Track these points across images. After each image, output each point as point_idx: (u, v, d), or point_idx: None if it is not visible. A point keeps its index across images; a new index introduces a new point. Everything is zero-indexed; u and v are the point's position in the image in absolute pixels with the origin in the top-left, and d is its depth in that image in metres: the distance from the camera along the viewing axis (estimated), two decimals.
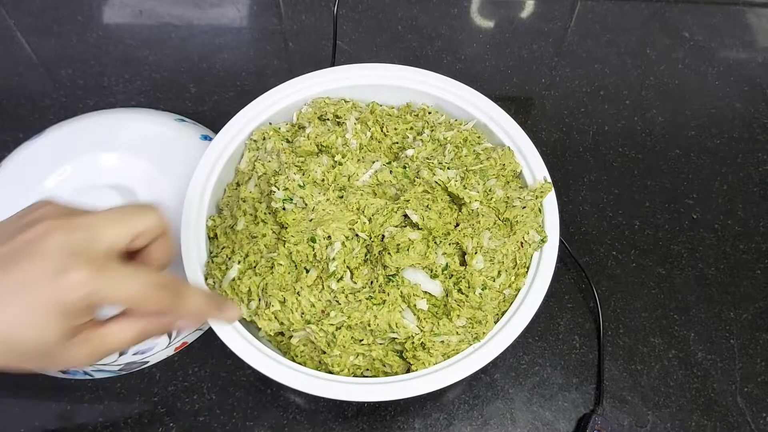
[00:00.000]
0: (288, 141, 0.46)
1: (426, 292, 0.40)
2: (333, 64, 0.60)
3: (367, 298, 0.38)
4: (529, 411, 0.47)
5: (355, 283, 0.39)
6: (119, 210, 0.30)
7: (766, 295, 0.53)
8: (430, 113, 0.48)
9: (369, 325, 0.38)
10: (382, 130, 0.46)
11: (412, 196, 0.41)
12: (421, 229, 0.40)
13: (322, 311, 0.39)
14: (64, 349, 0.28)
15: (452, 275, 0.40)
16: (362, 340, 0.39)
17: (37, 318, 0.26)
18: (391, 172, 0.43)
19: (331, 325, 0.38)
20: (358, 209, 0.41)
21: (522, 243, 0.41)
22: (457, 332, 0.39)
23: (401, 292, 0.39)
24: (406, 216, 0.41)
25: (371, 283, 0.39)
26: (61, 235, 0.27)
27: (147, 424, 0.46)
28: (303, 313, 0.39)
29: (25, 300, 0.26)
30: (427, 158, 0.44)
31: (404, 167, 0.43)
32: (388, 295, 0.38)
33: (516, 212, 0.42)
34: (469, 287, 0.40)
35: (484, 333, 0.39)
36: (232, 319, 0.36)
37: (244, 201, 0.43)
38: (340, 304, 0.39)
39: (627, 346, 0.50)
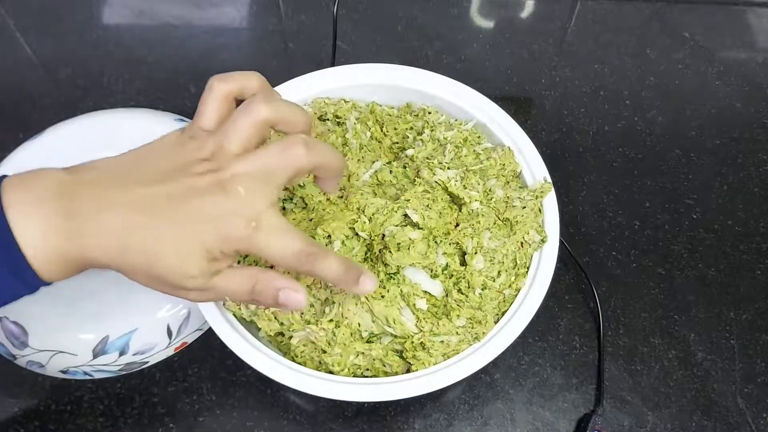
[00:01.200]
0: None
1: (426, 291, 0.40)
2: (333, 64, 0.60)
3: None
4: (529, 411, 0.47)
5: None
6: (275, 155, 0.31)
7: (767, 295, 0.53)
8: (430, 113, 0.48)
9: (364, 309, 0.38)
10: (382, 130, 0.46)
11: (413, 195, 0.41)
12: (421, 228, 0.40)
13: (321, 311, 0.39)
14: (197, 285, 0.30)
15: (452, 275, 0.40)
16: (360, 325, 0.38)
17: (188, 255, 0.29)
18: (391, 171, 0.43)
19: (330, 321, 0.38)
20: (358, 209, 0.41)
21: (522, 243, 0.41)
22: (457, 332, 0.39)
23: (401, 291, 0.39)
24: (406, 215, 0.41)
25: None
26: (223, 195, 0.30)
27: (147, 424, 0.45)
28: (302, 313, 0.39)
29: (186, 236, 0.29)
30: (427, 158, 0.44)
31: (404, 167, 0.43)
32: (388, 291, 0.38)
33: (516, 212, 0.42)
34: (469, 287, 0.40)
35: (484, 333, 0.39)
36: (367, 292, 0.35)
37: None
38: (335, 295, 0.38)
39: (627, 346, 0.50)
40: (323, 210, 0.41)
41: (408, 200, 0.41)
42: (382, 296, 0.38)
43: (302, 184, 0.42)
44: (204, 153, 0.31)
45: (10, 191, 0.29)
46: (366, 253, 0.40)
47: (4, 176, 0.30)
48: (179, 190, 0.30)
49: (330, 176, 0.35)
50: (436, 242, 0.40)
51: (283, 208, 0.41)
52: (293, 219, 0.41)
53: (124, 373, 0.47)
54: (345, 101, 0.48)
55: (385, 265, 0.39)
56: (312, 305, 0.39)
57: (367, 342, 0.39)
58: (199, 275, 0.30)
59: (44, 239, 0.29)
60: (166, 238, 0.29)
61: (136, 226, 0.29)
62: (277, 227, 0.31)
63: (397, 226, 0.40)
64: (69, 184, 0.30)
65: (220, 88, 0.33)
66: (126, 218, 0.29)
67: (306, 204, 0.42)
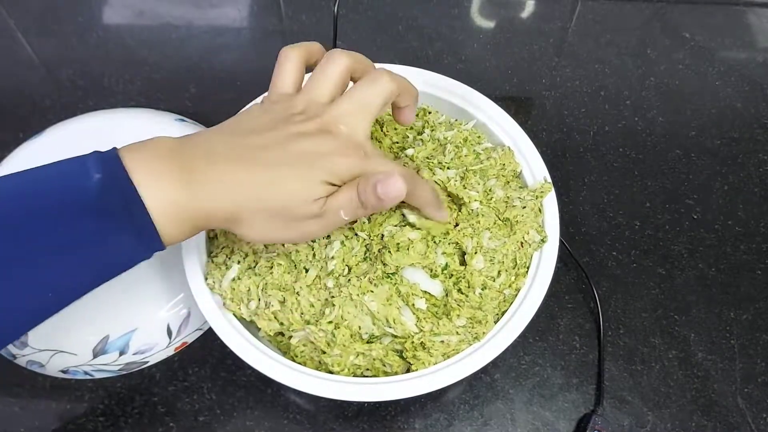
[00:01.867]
0: None
1: (425, 291, 0.40)
2: None
3: (357, 287, 0.38)
4: (529, 411, 0.47)
5: (349, 279, 0.39)
6: (366, 90, 0.34)
7: (767, 295, 0.53)
8: (430, 113, 0.48)
9: (364, 312, 0.38)
10: (382, 130, 0.46)
11: None
12: (419, 228, 0.40)
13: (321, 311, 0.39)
14: (317, 209, 0.32)
15: (452, 275, 0.40)
16: (360, 327, 0.38)
17: (310, 181, 0.32)
18: None
19: (329, 323, 0.38)
20: None
21: (522, 243, 0.41)
22: (457, 332, 0.39)
23: (399, 290, 0.39)
24: (404, 215, 0.41)
25: (365, 275, 0.39)
26: (329, 135, 0.33)
27: (147, 424, 0.46)
28: (302, 314, 0.39)
29: (305, 167, 0.32)
30: (427, 158, 0.44)
31: (404, 167, 0.43)
32: (376, 286, 0.38)
33: (516, 212, 0.42)
34: (468, 287, 0.40)
35: (484, 333, 0.39)
36: (444, 219, 0.40)
37: None
38: (334, 297, 0.38)
39: (627, 346, 0.50)
40: None
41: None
42: (372, 291, 0.38)
43: None
44: (296, 109, 0.34)
45: (128, 155, 0.31)
46: (365, 253, 0.40)
47: (114, 148, 0.31)
48: (286, 135, 0.32)
49: (410, 103, 0.38)
50: (435, 242, 0.40)
51: None
52: None
53: (124, 372, 0.47)
54: None
55: (384, 265, 0.39)
56: (312, 305, 0.39)
57: (367, 342, 0.39)
58: (322, 195, 0.32)
59: (165, 196, 0.30)
60: (283, 173, 0.31)
61: (251, 170, 0.31)
62: (380, 154, 0.35)
63: (396, 226, 0.40)
64: (180, 145, 0.32)
65: (293, 54, 0.35)
66: (238, 166, 0.31)
67: None
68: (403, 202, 0.41)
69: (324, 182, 0.32)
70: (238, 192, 0.31)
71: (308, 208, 0.32)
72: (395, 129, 0.46)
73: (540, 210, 0.43)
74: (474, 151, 0.45)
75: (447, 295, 0.40)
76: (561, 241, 0.44)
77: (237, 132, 0.33)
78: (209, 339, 0.48)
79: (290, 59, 0.35)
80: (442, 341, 0.38)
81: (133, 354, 0.46)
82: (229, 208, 0.31)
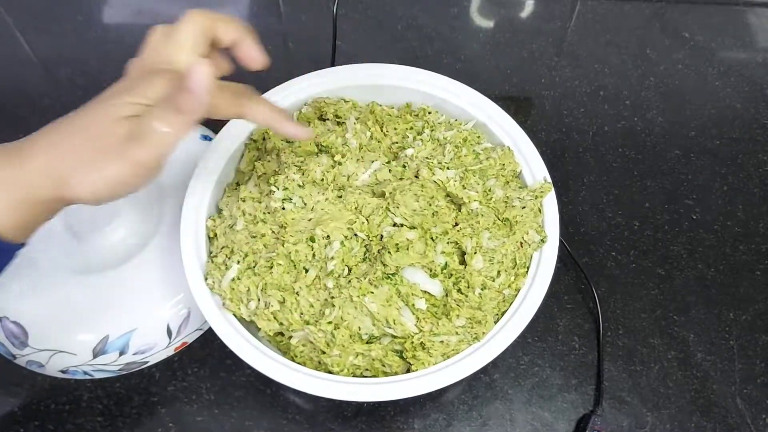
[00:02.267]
0: (288, 141, 0.46)
1: (425, 291, 0.40)
2: (333, 64, 0.60)
3: (357, 288, 0.38)
4: (529, 412, 0.47)
5: (350, 280, 0.39)
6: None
7: (766, 296, 0.53)
8: (430, 113, 0.48)
9: (363, 313, 0.38)
10: (381, 130, 0.46)
11: (397, 189, 0.41)
12: (414, 228, 0.40)
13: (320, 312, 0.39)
14: (130, 128, 0.31)
15: (452, 275, 0.40)
16: (360, 328, 0.38)
17: (112, 107, 0.32)
18: (390, 171, 0.43)
19: (329, 323, 0.38)
20: (356, 209, 0.41)
21: (522, 243, 0.41)
22: (457, 332, 0.39)
23: (399, 291, 0.39)
24: None
25: (365, 276, 0.39)
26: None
27: (146, 424, 0.46)
28: (302, 314, 0.39)
29: (111, 99, 0.32)
30: (427, 158, 0.44)
31: (404, 166, 0.43)
32: (377, 287, 0.38)
33: (516, 212, 0.42)
34: (468, 287, 0.40)
35: (483, 333, 0.39)
36: (298, 137, 0.39)
37: (243, 201, 0.43)
38: (334, 298, 0.38)
39: (626, 346, 0.50)
40: (322, 210, 0.41)
41: (393, 197, 0.41)
42: (372, 292, 0.38)
43: (302, 185, 0.42)
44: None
45: None
46: (365, 254, 0.40)
47: None
48: (111, 91, 0.33)
49: (237, 36, 0.37)
50: (433, 240, 0.40)
51: (283, 208, 0.41)
52: (293, 218, 0.41)
53: (124, 372, 0.47)
54: (345, 101, 0.48)
55: (384, 265, 0.39)
56: (311, 306, 0.39)
57: (367, 343, 0.39)
58: (129, 114, 0.31)
59: None
60: (91, 111, 0.32)
61: (68, 126, 0.32)
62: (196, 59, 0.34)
63: (394, 226, 0.40)
64: (17, 141, 0.32)
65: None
66: (59, 128, 0.32)
67: (305, 203, 0.42)
68: (389, 195, 0.41)
69: (127, 103, 0.32)
70: (54, 145, 0.31)
71: (114, 129, 0.31)
72: (395, 129, 0.46)
73: (540, 210, 0.43)
74: (473, 151, 0.45)
75: (447, 295, 0.40)
76: (561, 241, 0.44)
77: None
78: (209, 339, 0.48)
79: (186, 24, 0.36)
80: (442, 341, 0.38)
81: (133, 354, 0.46)
82: (46, 167, 0.31)
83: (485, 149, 0.46)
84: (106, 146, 0.31)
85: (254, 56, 0.37)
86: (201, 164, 0.44)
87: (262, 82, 0.49)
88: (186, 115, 0.31)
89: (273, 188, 0.41)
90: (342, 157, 0.43)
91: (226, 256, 0.41)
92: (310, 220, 0.41)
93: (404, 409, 0.47)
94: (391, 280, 0.39)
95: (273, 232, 0.41)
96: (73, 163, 0.31)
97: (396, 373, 0.39)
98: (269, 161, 0.44)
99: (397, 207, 0.40)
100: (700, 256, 0.55)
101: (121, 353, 0.45)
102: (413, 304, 0.39)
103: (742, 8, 0.73)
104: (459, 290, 0.40)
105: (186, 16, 0.35)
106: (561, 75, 0.66)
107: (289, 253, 0.40)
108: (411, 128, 0.46)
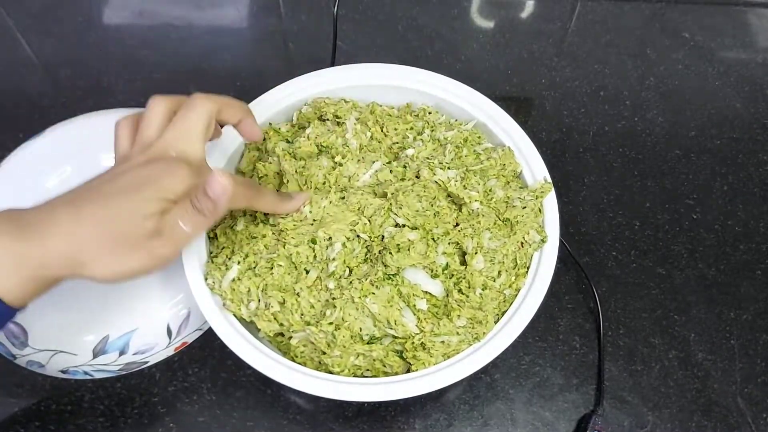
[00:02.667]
0: (288, 141, 0.46)
1: (426, 292, 0.40)
2: (333, 64, 0.60)
3: (359, 289, 0.38)
4: (529, 411, 0.47)
5: (351, 282, 0.39)
6: (186, 115, 0.37)
7: (767, 295, 0.53)
8: (430, 113, 0.48)
9: (365, 314, 0.38)
10: (382, 131, 0.46)
11: (400, 190, 0.41)
12: (416, 228, 0.40)
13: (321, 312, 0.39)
14: (153, 226, 0.33)
15: (452, 275, 0.40)
16: (361, 329, 0.38)
17: (142, 201, 0.32)
18: (391, 171, 0.43)
19: (330, 324, 0.38)
20: (358, 209, 0.41)
21: (522, 243, 0.41)
22: (458, 332, 0.39)
23: (400, 291, 0.39)
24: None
25: (366, 277, 0.39)
26: (158, 162, 0.35)
27: (147, 424, 0.45)
28: (302, 315, 0.39)
29: (133, 195, 0.33)
30: (428, 158, 0.44)
31: (404, 167, 0.43)
32: (378, 288, 0.38)
33: (516, 212, 0.42)
34: (469, 287, 0.40)
35: (484, 333, 0.39)
36: (293, 208, 0.41)
37: None
38: (335, 299, 0.38)
39: (627, 346, 0.50)
40: (324, 212, 0.41)
41: (395, 195, 0.41)
42: (373, 293, 0.38)
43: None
44: (133, 150, 0.36)
45: None
46: (366, 254, 0.40)
47: None
48: (118, 172, 0.34)
49: (241, 117, 0.40)
50: (434, 240, 0.40)
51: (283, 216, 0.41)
52: (294, 225, 0.41)
53: (124, 373, 0.47)
54: (345, 101, 0.48)
55: (385, 266, 0.39)
56: (312, 306, 0.39)
57: (368, 343, 0.39)
58: (154, 211, 0.32)
59: (4, 266, 0.30)
60: (115, 202, 0.32)
61: (85, 208, 0.32)
62: (212, 170, 0.36)
63: (395, 227, 0.40)
64: (26, 209, 0.32)
65: (159, 102, 0.38)
66: (73, 207, 0.32)
67: (310, 211, 0.41)
68: (392, 197, 0.41)
69: (156, 199, 0.33)
70: (74, 232, 0.31)
71: (144, 225, 0.32)
72: (395, 129, 0.46)
73: (540, 210, 0.43)
74: (474, 151, 0.45)
75: (447, 295, 0.40)
76: (561, 241, 0.44)
77: (84, 183, 0.34)
78: (209, 339, 0.48)
79: (155, 107, 0.37)
80: (443, 341, 0.38)
81: (133, 354, 0.46)
82: (65, 251, 0.31)
83: (486, 149, 0.46)
84: (131, 241, 0.32)
85: (255, 133, 0.41)
86: None
87: (262, 82, 0.49)
88: (207, 218, 0.34)
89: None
90: (342, 158, 0.43)
91: (227, 256, 0.41)
92: (311, 223, 0.41)
93: (405, 409, 0.47)
94: (393, 280, 0.39)
95: (273, 233, 0.41)
96: (95, 254, 0.32)
97: (396, 374, 0.39)
98: (269, 162, 0.44)
99: (400, 208, 0.40)
100: (701, 255, 0.55)
101: (122, 353, 0.45)
102: (414, 305, 0.39)
103: (742, 8, 0.73)
104: (460, 290, 0.40)
105: (193, 103, 0.37)
106: (561, 75, 0.66)
107: (290, 254, 0.40)
108: (411, 128, 0.46)
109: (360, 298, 0.38)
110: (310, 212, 0.41)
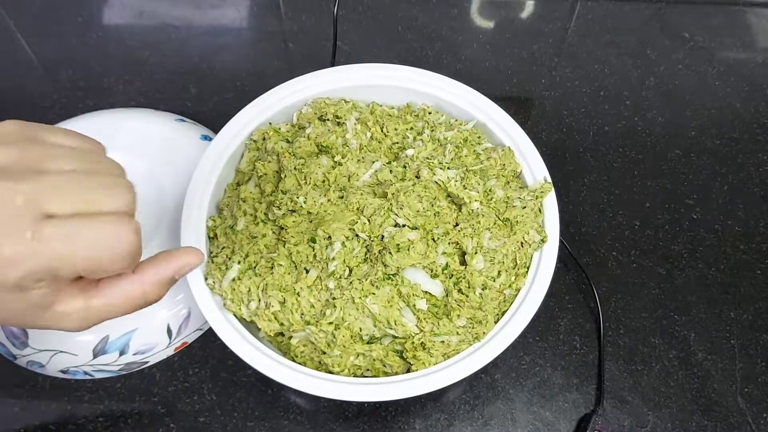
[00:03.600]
0: (288, 141, 0.46)
1: (426, 292, 0.40)
2: (333, 64, 0.60)
3: (359, 289, 0.38)
4: (530, 411, 0.47)
5: (351, 281, 0.39)
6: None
7: (767, 295, 0.53)
8: (430, 113, 0.48)
9: (365, 314, 0.38)
10: (382, 131, 0.46)
11: (401, 190, 0.41)
12: (416, 228, 0.40)
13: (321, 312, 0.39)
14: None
15: (452, 275, 0.40)
16: (361, 329, 0.38)
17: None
18: (391, 171, 0.43)
19: (330, 323, 0.38)
20: (358, 209, 0.41)
21: (522, 243, 0.41)
22: (458, 332, 0.39)
23: (399, 291, 0.39)
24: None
25: (366, 277, 0.39)
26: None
27: (147, 425, 0.45)
28: (303, 314, 0.39)
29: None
30: (428, 158, 0.44)
31: (404, 167, 0.43)
32: (378, 288, 0.38)
33: (516, 212, 0.42)
34: (469, 287, 0.40)
35: (484, 333, 0.39)
36: (195, 264, 0.32)
37: (244, 201, 0.43)
38: (335, 299, 0.38)
39: (627, 346, 0.50)
40: (324, 211, 0.41)
41: (396, 196, 0.41)
42: (373, 293, 0.38)
43: (305, 200, 0.42)
44: None
45: None
46: (366, 254, 0.40)
47: None
48: None
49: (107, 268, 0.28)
50: (434, 240, 0.40)
51: (284, 215, 0.41)
52: (294, 221, 0.41)
53: (124, 373, 0.47)
54: (345, 101, 0.48)
55: (385, 266, 0.39)
56: (312, 306, 0.39)
57: (368, 343, 0.39)
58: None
59: None
60: None
61: None
62: None
63: (395, 227, 0.40)
64: None
65: None
66: None
67: (308, 210, 0.42)
68: (392, 197, 0.41)
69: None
70: None
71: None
72: (395, 129, 0.46)
73: (540, 210, 0.43)
74: (474, 151, 0.45)
75: (447, 295, 0.40)
76: (561, 241, 0.44)
77: None
78: (209, 339, 0.48)
79: None
80: (443, 341, 0.38)
81: (133, 354, 0.46)
82: None
83: (486, 149, 0.46)
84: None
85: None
86: (201, 164, 0.44)
87: (262, 82, 0.49)
88: None
89: (275, 209, 0.41)
90: (342, 158, 0.43)
91: (227, 256, 0.41)
92: (311, 221, 0.41)
93: (405, 409, 0.47)
94: (392, 280, 0.39)
95: (274, 232, 0.41)
96: None
97: (396, 373, 0.39)
98: (269, 161, 0.44)
99: (401, 208, 0.40)
100: (701, 255, 0.55)
101: (122, 353, 0.45)
102: (414, 305, 0.39)
103: (742, 8, 0.73)
104: (460, 290, 0.40)
105: None
106: (561, 75, 0.66)
107: (290, 253, 0.40)
108: (411, 128, 0.46)
109: (360, 298, 0.38)
110: (305, 203, 0.41)
